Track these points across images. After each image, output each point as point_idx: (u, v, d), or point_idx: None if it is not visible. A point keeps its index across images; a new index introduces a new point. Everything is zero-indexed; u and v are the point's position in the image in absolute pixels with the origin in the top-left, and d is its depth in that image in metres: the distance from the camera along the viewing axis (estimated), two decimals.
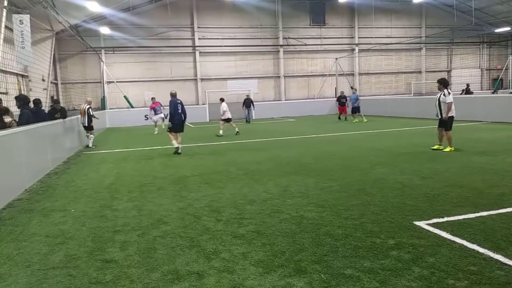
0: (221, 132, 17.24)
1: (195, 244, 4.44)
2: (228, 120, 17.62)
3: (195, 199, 6.43)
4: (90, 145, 14.83)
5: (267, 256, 4.01)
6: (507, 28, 34.27)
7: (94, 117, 15.10)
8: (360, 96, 23.70)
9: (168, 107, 12.23)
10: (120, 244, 4.55)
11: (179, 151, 11.89)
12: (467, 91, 28.92)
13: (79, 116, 14.88)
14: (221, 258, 4.03)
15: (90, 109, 14.75)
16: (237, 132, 17.34)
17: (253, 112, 26.35)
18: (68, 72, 28.51)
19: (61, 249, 4.48)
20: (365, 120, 21.78)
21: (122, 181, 8.23)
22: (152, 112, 20.87)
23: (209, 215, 5.50)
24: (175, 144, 11.95)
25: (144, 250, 4.32)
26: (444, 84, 10.30)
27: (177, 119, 11.93)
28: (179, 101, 12.10)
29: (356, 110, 22.25)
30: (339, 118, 23.84)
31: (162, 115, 20.71)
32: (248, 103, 25.55)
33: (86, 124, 14.66)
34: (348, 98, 23.38)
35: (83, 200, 6.75)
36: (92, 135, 14.98)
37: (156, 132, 19.66)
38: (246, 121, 25.71)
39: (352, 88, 26.35)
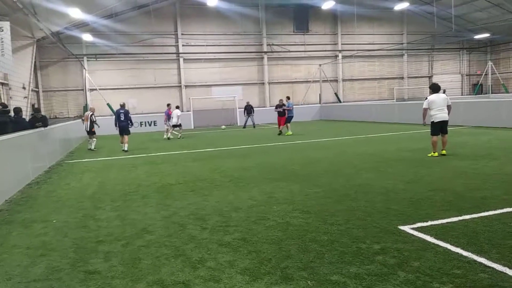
0: (169, 135, 20.01)
1: (180, 253, 4.39)
2: (177, 126, 20.03)
3: (180, 207, 6.37)
4: (92, 147, 16.16)
5: (253, 264, 3.98)
6: (486, 35, 35.14)
7: (96, 123, 16.51)
8: (344, 102, 23.57)
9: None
10: (103, 254, 4.46)
11: (125, 149, 14.89)
12: None
13: (83, 121, 16.89)
14: (207, 266, 3.98)
15: (93, 116, 16.39)
16: (180, 137, 19.98)
17: (253, 118, 26.59)
18: (50, 80, 28.09)
19: (42, 261, 4.37)
20: (290, 133, 19.15)
21: (105, 190, 8.10)
22: (166, 117, 20.78)
23: (194, 223, 5.44)
24: (123, 146, 15.03)
25: (128, 261, 4.24)
26: (431, 88, 10.47)
27: (119, 126, 15.14)
28: (122, 111, 15.22)
29: (289, 120, 19.61)
30: (280, 132, 19.64)
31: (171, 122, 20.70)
32: (249, 109, 26.01)
33: (88, 129, 16.27)
34: (285, 106, 19.77)
35: (65, 210, 6.62)
36: (95, 139, 16.44)
37: (177, 137, 20.30)
38: (244, 127, 26.03)
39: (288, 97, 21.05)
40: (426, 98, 10.45)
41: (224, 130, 24.76)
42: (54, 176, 10.23)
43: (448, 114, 10.21)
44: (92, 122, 16.23)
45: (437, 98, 10.13)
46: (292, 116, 19.72)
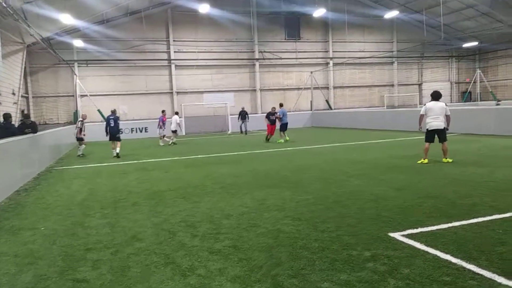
0: (174, 140, 20.36)
1: (170, 260, 4.35)
2: (174, 132, 20.48)
3: (170, 214, 6.33)
4: (80, 153, 16.05)
5: (244, 272, 3.96)
6: (475, 43, 35.70)
7: (82, 131, 16.26)
8: (335, 109, 23.65)
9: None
10: (92, 262, 4.41)
11: (117, 155, 14.87)
12: None
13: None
14: (197, 274, 3.95)
15: (79, 123, 16.30)
16: (173, 143, 20.04)
17: (247, 124, 26.66)
18: (40, 86, 27.87)
19: (30, 269, 4.31)
20: (287, 139, 18.81)
21: (95, 197, 8.03)
22: (161, 123, 20.65)
23: (185, 231, 5.41)
24: (113, 151, 15.08)
25: (117, 269, 4.19)
26: (431, 96, 10.53)
27: (110, 132, 15.26)
28: (112, 117, 15.28)
29: (285, 127, 19.12)
30: (267, 139, 19.17)
31: (168, 129, 20.71)
32: (243, 115, 26.00)
33: (76, 136, 16.42)
34: (278, 115, 19.15)
35: (53, 217, 6.53)
36: (83, 145, 16.26)
37: (167, 143, 20.15)
38: (241, 132, 26.05)
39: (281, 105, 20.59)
40: (425, 105, 10.55)
41: (227, 136, 24.81)
42: (43, 183, 10.11)
43: (448, 124, 10.20)
44: (79, 129, 16.16)
45: (434, 106, 10.16)
46: (286, 123, 19.15)
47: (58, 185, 9.65)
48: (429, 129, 10.26)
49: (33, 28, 17.93)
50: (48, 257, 4.67)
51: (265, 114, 19.97)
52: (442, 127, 10.14)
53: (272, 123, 19.18)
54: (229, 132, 26.26)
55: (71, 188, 9.14)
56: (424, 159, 10.32)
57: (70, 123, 24.79)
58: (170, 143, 20.10)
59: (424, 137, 10.48)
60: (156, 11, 29.79)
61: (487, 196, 6.47)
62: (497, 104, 25.55)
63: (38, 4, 17.89)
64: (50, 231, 5.75)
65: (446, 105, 10.38)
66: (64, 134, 19.21)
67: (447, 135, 10.32)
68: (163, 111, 21.19)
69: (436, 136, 10.25)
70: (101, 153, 16.74)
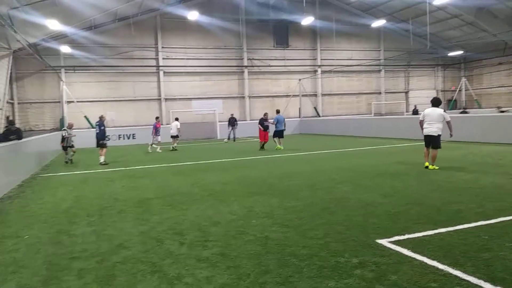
0: (175, 145, 20.93)
1: (157, 269, 4.30)
2: (175, 137, 20.94)
3: (157, 222, 6.26)
4: (66, 160, 15.80)
5: (231, 280, 3.93)
6: (460, 52, 36.33)
7: (62, 140, 15.91)
8: (323, 116, 23.61)
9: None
10: (77, 271, 4.33)
11: (100, 163, 14.68)
12: (415, 112, 32.57)
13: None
14: (184, 283, 3.91)
15: (64, 131, 16.00)
16: (174, 149, 20.49)
17: (236, 131, 26.59)
18: (26, 92, 27.50)
19: (13, 278, 4.22)
20: (281, 147, 18.27)
21: (80, 204, 7.91)
22: (153, 130, 20.30)
23: (172, 238, 5.36)
24: (100, 158, 14.86)
25: (103, 278, 4.13)
26: (430, 102, 10.64)
27: (96, 138, 15.08)
28: (98, 123, 15.16)
29: (281, 134, 18.53)
30: (262, 147, 18.49)
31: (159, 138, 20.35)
32: (232, 121, 25.94)
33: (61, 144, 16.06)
34: (271, 121, 18.67)
35: (38, 225, 6.42)
36: (71, 152, 15.95)
37: (155, 150, 19.95)
38: (229, 139, 25.96)
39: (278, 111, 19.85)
40: (423, 111, 10.72)
41: (217, 143, 24.70)
42: (27, 190, 9.94)
43: (451, 129, 10.23)
44: (63, 137, 15.86)
45: (432, 112, 10.29)
46: (282, 130, 18.43)
47: (43, 193, 9.50)
48: (424, 134, 10.44)
49: (20, 34, 17.75)
50: (32, 266, 4.58)
51: (258, 120, 19.19)
52: (435, 134, 10.20)
53: (265, 129, 18.52)
54: (226, 140, 26.14)
55: (57, 196, 9.00)
56: (425, 162, 10.51)
57: (56, 129, 24.47)
58: (171, 148, 20.50)
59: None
60: (145, 17, 29.72)
61: (473, 203, 6.54)
62: (502, 112, 25.91)
63: (25, 10, 17.71)
64: (34, 239, 5.65)
65: (444, 111, 10.49)
66: (50, 141, 18.95)
67: (450, 141, 10.30)
68: (157, 118, 20.95)
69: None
70: (88, 160, 16.54)
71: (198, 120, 30.82)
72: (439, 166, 10.34)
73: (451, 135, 10.26)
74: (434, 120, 10.22)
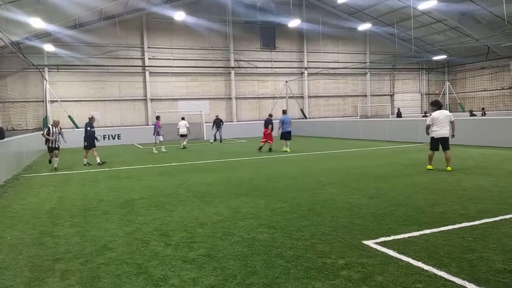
0: (185, 143, 21.97)
1: (142, 270, 4.25)
2: (184, 136, 21.74)
3: (143, 223, 6.20)
4: (55, 165, 13.97)
5: (218, 281, 3.90)
6: (444, 56, 36.94)
7: (47, 140, 14.00)
8: (309, 118, 23.52)
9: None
10: (60, 273, 4.25)
11: (84, 163, 14.68)
12: (398, 114, 33.34)
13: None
14: (170, 284, 3.87)
15: (46, 129, 14.09)
16: (184, 147, 21.27)
17: (221, 132, 26.35)
18: (8, 91, 26.95)
19: None
20: (288, 150, 17.50)
21: (64, 205, 7.78)
22: (158, 129, 19.66)
23: (158, 240, 5.30)
24: (96, 158, 14.73)
25: (87, 279, 4.06)
26: (433, 105, 10.70)
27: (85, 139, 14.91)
28: (87, 124, 14.88)
29: (288, 135, 17.87)
30: (270, 149, 17.88)
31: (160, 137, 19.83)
32: (218, 122, 25.83)
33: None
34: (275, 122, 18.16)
35: (20, 226, 6.29)
36: (56, 158, 14.06)
37: (161, 150, 19.65)
38: (214, 140, 25.83)
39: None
40: (430, 115, 10.71)
41: (206, 144, 24.55)
42: (9, 191, 9.74)
43: (454, 130, 10.48)
44: (47, 138, 13.94)
45: (440, 115, 10.36)
46: (289, 132, 17.74)
47: (25, 193, 9.32)
48: (435, 137, 10.44)
49: (2, 32, 17.41)
50: (14, 267, 4.48)
51: (264, 121, 18.72)
52: (448, 135, 10.38)
53: (270, 130, 18.00)
54: (212, 141, 26.04)
55: (39, 196, 8.84)
56: (429, 165, 10.63)
57: (39, 129, 24.04)
58: (182, 146, 21.16)
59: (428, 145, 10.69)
60: (131, 17, 29.47)
61: (456, 204, 6.64)
62: (473, 115, 26.64)
63: (7, 7, 17.39)
64: (16, 240, 5.53)
65: (449, 112, 10.63)
66: (33, 141, 18.61)
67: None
68: (157, 117, 20.24)
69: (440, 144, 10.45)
70: (71, 161, 16.29)
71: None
72: (426, 168, 10.54)
73: (453, 136, 10.47)
74: (444, 122, 10.35)
